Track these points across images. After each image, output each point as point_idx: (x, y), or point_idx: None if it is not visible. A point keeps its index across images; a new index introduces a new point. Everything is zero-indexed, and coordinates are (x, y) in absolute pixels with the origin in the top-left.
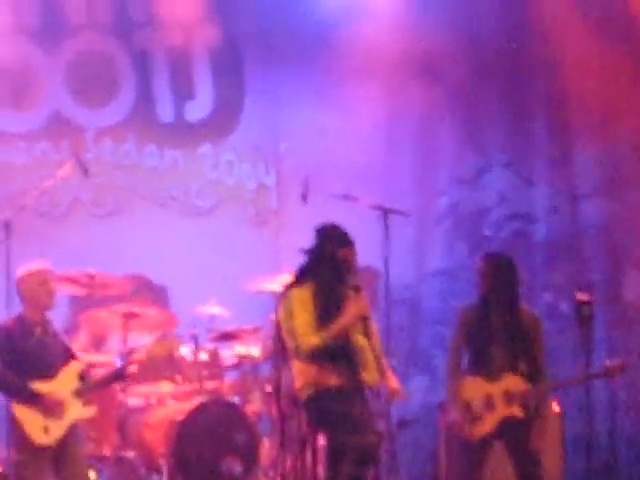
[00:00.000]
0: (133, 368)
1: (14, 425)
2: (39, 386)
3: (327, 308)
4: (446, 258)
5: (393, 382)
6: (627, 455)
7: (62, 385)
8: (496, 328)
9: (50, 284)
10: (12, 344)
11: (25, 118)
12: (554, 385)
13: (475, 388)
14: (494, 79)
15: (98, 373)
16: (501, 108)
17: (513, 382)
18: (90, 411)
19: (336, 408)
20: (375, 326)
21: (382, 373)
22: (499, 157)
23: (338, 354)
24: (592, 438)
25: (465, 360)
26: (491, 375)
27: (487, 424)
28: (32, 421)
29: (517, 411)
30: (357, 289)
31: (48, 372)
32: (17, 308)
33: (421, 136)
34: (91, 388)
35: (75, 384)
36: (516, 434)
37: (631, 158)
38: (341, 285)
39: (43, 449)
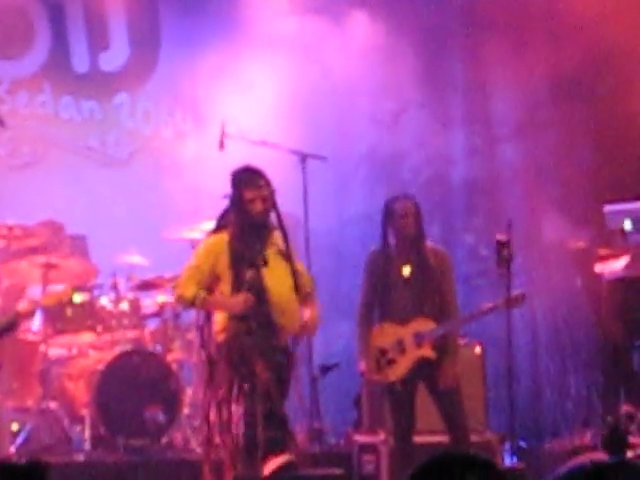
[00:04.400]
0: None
1: None
2: None
3: (236, 258)
4: (366, 203)
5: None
6: (550, 391)
7: None
8: (400, 271)
9: None
10: None
11: None
12: (460, 321)
13: (385, 334)
14: (412, 19)
15: None
16: (417, 50)
17: (422, 323)
18: None
19: (241, 344)
20: (300, 266)
21: (301, 320)
22: (415, 99)
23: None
24: (513, 375)
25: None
26: (400, 319)
27: (401, 367)
28: None
29: (428, 352)
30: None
31: None
32: None
33: (339, 78)
34: None
35: None
36: (431, 374)
37: (546, 99)
38: (254, 231)
39: None
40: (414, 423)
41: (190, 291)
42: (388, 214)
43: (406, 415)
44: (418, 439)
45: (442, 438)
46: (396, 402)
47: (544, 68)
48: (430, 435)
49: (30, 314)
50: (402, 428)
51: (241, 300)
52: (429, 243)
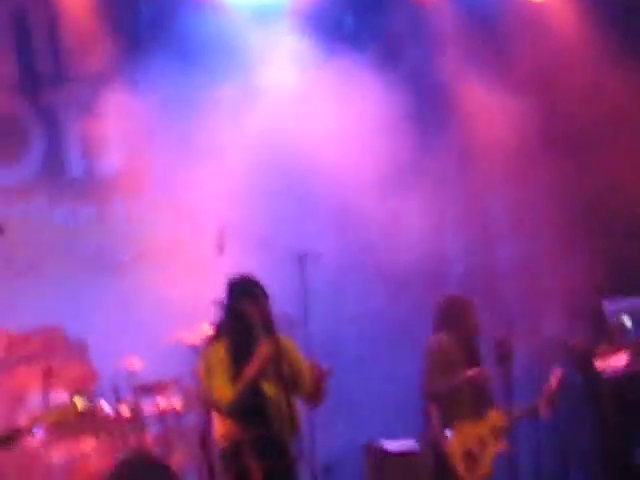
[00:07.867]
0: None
1: None
2: None
3: (241, 365)
4: (364, 301)
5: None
6: None
7: None
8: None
9: None
10: None
11: None
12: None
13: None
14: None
15: None
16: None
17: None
18: None
19: (245, 461)
20: (305, 364)
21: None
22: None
23: (249, 407)
24: (516, 472)
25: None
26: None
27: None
28: None
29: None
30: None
31: None
32: None
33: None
34: None
35: None
36: None
37: (539, 201)
38: (253, 338)
39: None
40: None
41: (230, 393)
42: (461, 308)
43: None
44: None
45: None
46: None
47: (535, 176)
48: None
49: (29, 431)
50: None
51: (264, 349)
52: None
